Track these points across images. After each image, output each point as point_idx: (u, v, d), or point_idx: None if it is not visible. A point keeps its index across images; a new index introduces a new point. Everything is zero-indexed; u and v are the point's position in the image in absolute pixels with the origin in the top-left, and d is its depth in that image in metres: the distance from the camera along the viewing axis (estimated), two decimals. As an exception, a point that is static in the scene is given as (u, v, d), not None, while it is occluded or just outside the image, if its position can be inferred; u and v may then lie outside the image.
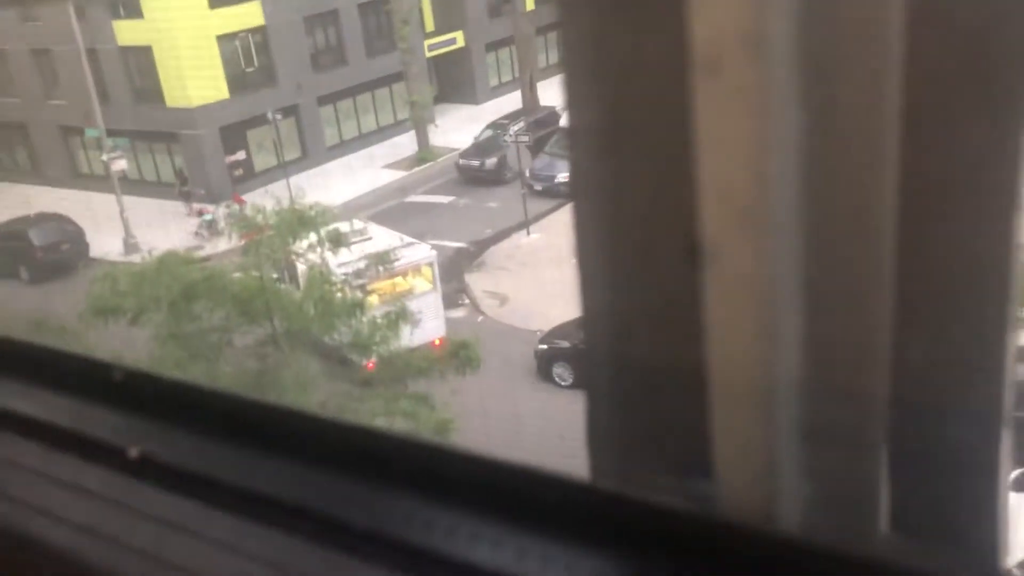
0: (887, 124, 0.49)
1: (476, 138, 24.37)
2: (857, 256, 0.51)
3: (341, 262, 12.64)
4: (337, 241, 12.48)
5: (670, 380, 0.59)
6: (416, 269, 14.90)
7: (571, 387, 12.77)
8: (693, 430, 0.58)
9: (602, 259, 0.59)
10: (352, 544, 0.63)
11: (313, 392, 10.36)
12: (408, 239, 15.47)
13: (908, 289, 0.53)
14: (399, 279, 13.90)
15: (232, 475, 0.72)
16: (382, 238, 14.63)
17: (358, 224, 13.73)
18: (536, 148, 22.12)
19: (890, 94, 0.49)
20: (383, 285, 13.47)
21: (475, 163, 23.07)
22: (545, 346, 13.81)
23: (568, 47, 0.56)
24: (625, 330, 0.60)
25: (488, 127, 24.76)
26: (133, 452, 0.77)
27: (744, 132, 0.48)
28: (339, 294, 11.83)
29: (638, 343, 0.59)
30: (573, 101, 0.57)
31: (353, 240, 12.93)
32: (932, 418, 0.57)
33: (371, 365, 11.35)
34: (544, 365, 13.83)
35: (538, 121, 23.30)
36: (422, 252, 15.38)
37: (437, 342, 13.57)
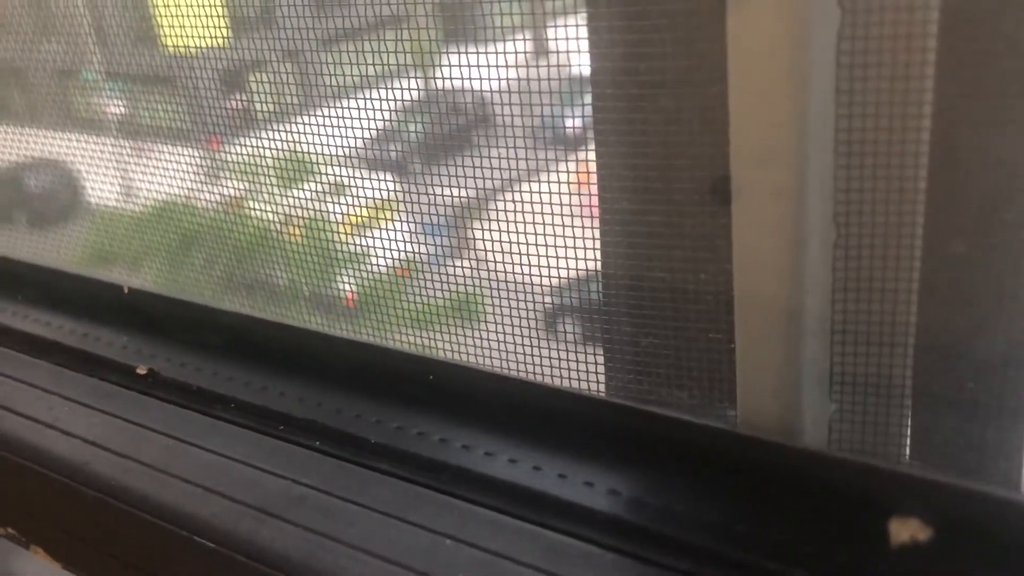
0: (924, 53, 0.48)
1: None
2: (887, 192, 0.50)
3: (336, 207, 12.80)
4: (337, 188, 12.56)
5: (691, 307, 0.58)
6: (382, 202, 15.47)
7: (578, 341, 12.77)
8: (714, 359, 0.57)
9: (624, 195, 0.58)
10: (365, 459, 0.62)
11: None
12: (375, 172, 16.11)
13: (938, 224, 0.51)
14: (368, 211, 14.40)
15: (242, 392, 0.72)
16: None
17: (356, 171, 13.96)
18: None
19: (927, 20, 0.47)
20: (354, 218, 13.91)
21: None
22: (553, 299, 13.83)
23: None
24: (647, 262, 0.59)
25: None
26: (141, 370, 0.77)
27: (773, 62, 0.47)
28: (337, 242, 11.89)
29: (660, 272, 0.58)
30: (595, 37, 0.56)
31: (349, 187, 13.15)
32: (959, 355, 0.56)
33: (351, 296, 11.69)
34: (551, 319, 13.79)
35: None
36: (387, 184, 15.92)
37: (402, 272, 14.24)
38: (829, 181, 0.50)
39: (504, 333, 0.69)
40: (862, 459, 0.50)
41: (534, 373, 0.66)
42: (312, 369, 0.72)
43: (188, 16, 1.02)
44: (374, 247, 0.93)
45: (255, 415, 0.69)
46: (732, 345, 0.54)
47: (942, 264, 0.53)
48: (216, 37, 1.02)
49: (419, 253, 0.98)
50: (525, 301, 0.69)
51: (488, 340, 0.69)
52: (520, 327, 0.69)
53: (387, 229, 1.00)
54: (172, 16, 1.12)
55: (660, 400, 0.60)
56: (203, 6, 0.92)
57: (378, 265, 0.94)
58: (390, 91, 0.80)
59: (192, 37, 1.07)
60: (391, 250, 0.86)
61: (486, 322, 0.71)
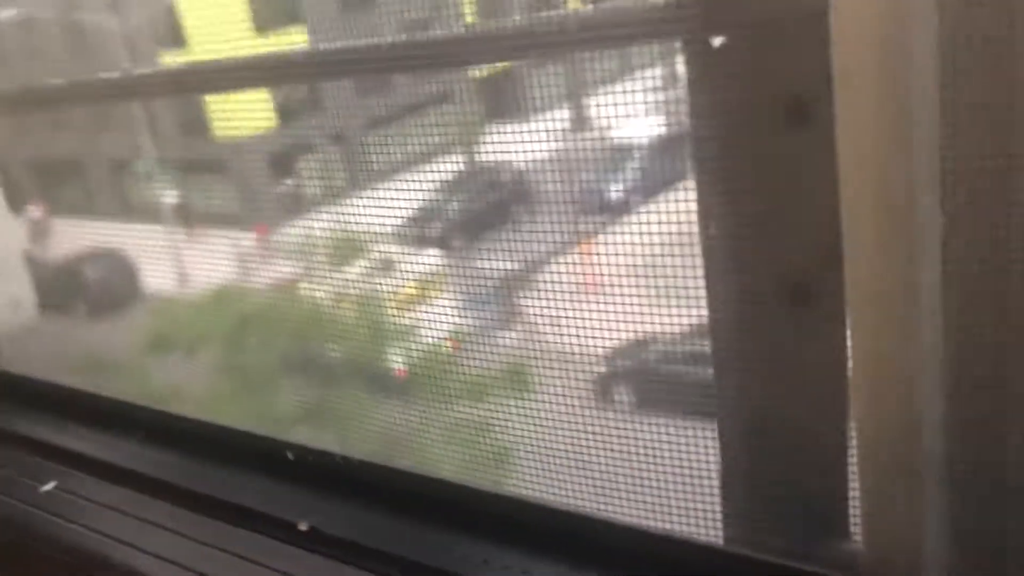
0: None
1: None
2: (994, 323, 0.48)
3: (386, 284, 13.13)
4: (387, 266, 12.78)
5: (805, 437, 0.55)
6: (430, 278, 15.92)
7: (631, 409, 12.81)
8: (828, 488, 0.52)
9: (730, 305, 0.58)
10: None
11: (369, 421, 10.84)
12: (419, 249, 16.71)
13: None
14: (416, 288, 14.80)
15: (394, 546, 0.71)
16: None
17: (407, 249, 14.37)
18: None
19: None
20: (403, 295, 14.27)
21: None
22: (605, 367, 13.89)
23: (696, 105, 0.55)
24: (756, 384, 0.57)
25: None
26: (303, 526, 0.77)
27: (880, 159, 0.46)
28: (389, 319, 12.08)
29: (771, 396, 0.56)
30: (698, 143, 0.56)
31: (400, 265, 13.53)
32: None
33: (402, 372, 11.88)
34: (604, 387, 13.86)
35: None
36: (433, 260, 16.42)
37: (451, 345, 14.66)
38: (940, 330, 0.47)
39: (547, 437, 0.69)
40: None
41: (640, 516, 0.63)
42: (452, 520, 0.73)
43: (238, 106, 1.04)
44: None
45: (408, 571, 0.70)
46: (850, 486, 0.50)
47: None
48: (265, 122, 1.05)
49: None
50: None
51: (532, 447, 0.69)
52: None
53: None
54: (223, 108, 1.15)
55: (777, 543, 0.55)
56: (252, 99, 0.94)
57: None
58: (435, 169, 0.82)
59: (242, 126, 1.09)
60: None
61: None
